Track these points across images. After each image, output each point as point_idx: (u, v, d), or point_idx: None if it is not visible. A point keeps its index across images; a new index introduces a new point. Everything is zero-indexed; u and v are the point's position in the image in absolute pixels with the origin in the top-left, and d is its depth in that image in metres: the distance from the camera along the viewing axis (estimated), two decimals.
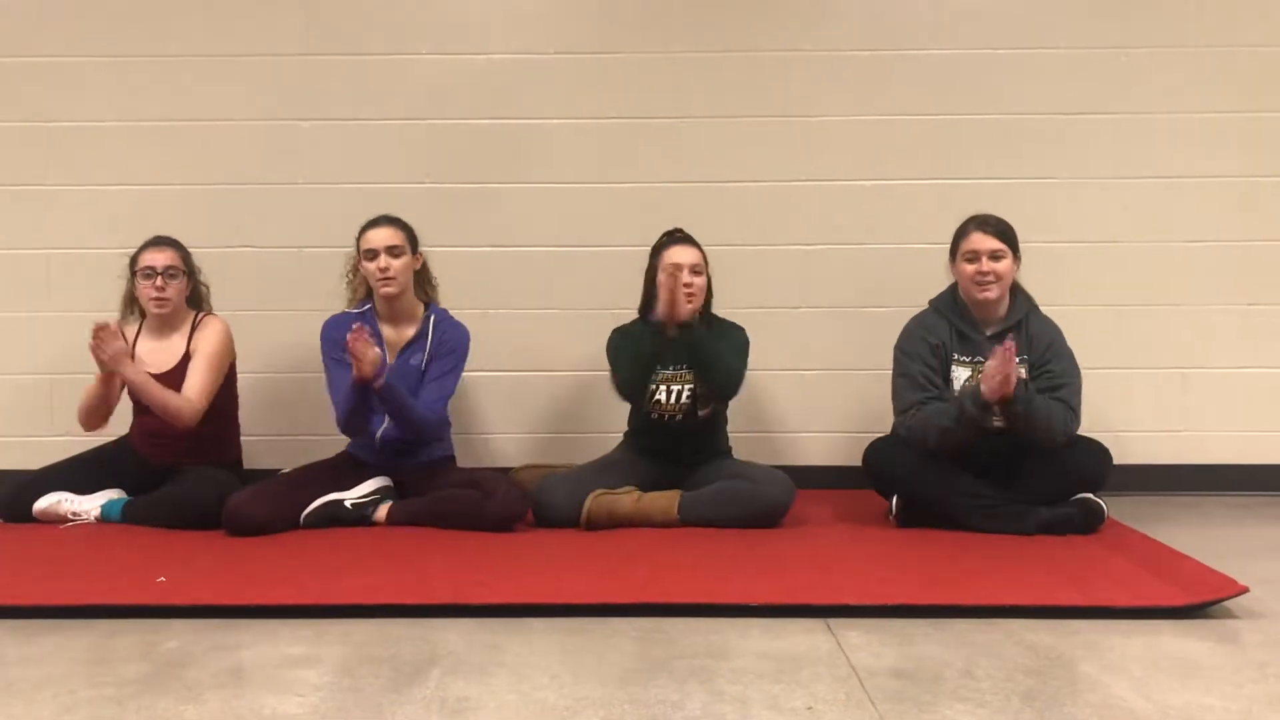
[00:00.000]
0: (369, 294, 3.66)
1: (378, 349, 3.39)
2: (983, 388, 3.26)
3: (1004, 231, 3.45)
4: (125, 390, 3.66)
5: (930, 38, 4.18)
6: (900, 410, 3.46)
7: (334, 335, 3.57)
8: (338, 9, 4.19)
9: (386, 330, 3.63)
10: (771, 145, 4.19)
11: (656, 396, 3.60)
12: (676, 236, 3.63)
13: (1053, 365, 3.41)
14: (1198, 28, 4.15)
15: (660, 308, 3.49)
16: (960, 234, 3.51)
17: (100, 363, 3.48)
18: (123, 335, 3.63)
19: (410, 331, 3.63)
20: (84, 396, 3.62)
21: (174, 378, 3.59)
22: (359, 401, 3.45)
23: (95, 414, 3.63)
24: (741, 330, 3.67)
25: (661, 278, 3.52)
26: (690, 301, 3.51)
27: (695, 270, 3.54)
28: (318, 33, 4.18)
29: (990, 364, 3.25)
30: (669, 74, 4.19)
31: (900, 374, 3.50)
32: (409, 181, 4.17)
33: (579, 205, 4.20)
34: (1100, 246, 4.17)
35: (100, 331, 3.44)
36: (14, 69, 4.18)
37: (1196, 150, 4.16)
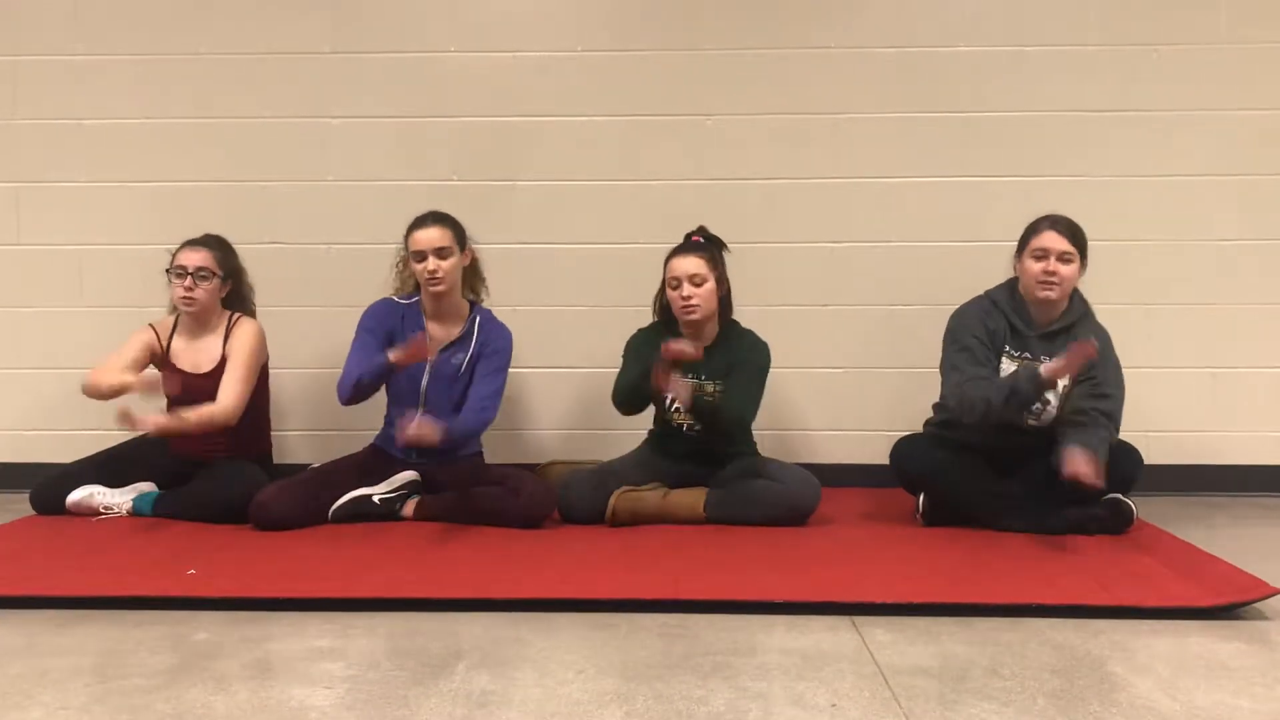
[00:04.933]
0: (417, 287, 3.66)
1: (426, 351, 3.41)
2: (1045, 367, 3.19)
3: (1076, 235, 3.40)
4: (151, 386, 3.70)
5: (959, 35, 4.16)
6: (956, 380, 3.39)
7: (378, 315, 3.62)
8: (366, 7, 4.21)
9: (432, 326, 3.63)
10: (798, 142, 4.18)
11: (676, 405, 3.59)
12: (684, 245, 3.60)
13: (1097, 373, 3.36)
14: (1229, 24, 4.11)
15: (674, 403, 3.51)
16: (1032, 230, 3.45)
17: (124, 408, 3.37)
18: (161, 362, 3.70)
19: (456, 330, 3.64)
20: (93, 375, 3.55)
21: (211, 380, 3.62)
22: (374, 383, 3.49)
23: (95, 396, 3.57)
24: (761, 352, 3.59)
25: (670, 293, 3.53)
26: (692, 313, 3.50)
27: (696, 281, 3.49)
28: (347, 30, 4.21)
29: (1069, 355, 3.16)
30: (696, 71, 4.19)
31: (960, 348, 3.43)
32: (437, 178, 4.19)
33: (606, 202, 4.20)
34: (1129, 245, 4.13)
35: (126, 422, 3.32)
36: (47, 68, 4.24)
37: (1227, 147, 4.12)
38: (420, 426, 3.30)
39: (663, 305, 3.67)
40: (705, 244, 3.60)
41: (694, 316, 3.51)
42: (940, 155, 4.16)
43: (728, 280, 3.61)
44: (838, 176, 4.18)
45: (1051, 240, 3.38)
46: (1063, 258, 3.37)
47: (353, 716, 1.97)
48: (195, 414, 3.48)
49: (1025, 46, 4.15)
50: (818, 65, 4.18)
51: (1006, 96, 4.15)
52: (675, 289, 3.52)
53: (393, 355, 3.37)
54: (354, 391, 3.50)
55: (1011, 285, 3.53)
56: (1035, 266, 3.40)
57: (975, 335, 3.43)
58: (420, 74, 4.22)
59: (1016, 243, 3.50)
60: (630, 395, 3.54)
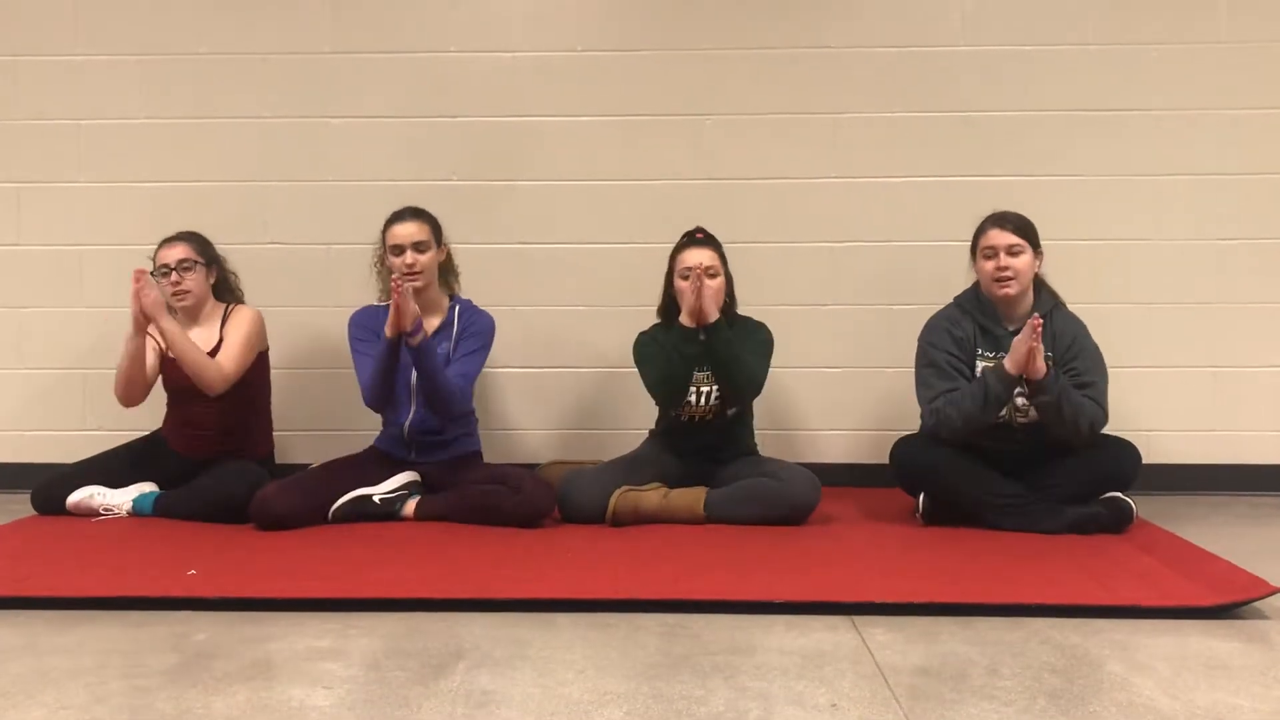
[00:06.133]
0: None
1: (417, 307, 3.38)
2: (1007, 361, 3.25)
3: (1022, 227, 3.44)
4: (159, 380, 3.72)
5: (957, 33, 4.16)
6: (928, 399, 3.45)
7: (364, 321, 3.62)
8: (365, 7, 4.21)
9: None
10: (797, 142, 4.18)
11: (686, 399, 3.59)
12: (694, 238, 3.63)
13: (1077, 363, 3.40)
14: (1228, 22, 4.11)
15: (685, 314, 3.50)
16: (979, 231, 3.50)
17: (136, 317, 3.45)
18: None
19: (436, 322, 3.64)
20: (118, 369, 3.59)
21: None
22: (389, 367, 3.44)
23: (133, 384, 3.60)
24: (764, 329, 3.66)
25: (680, 283, 3.55)
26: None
27: (710, 273, 3.53)
28: (346, 30, 4.21)
29: (1018, 338, 3.26)
30: (694, 71, 4.19)
31: (927, 364, 3.48)
32: (436, 178, 4.19)
33: (605, 202, 4.21)
34: (1130, 244, 4.14)
35: (141, 278, 3.42)
36: (47, 68, 4.24)
37: (1228, 146, 4.12)
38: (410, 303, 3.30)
39: (666, 302, 3.66)
40: (713, 238, 3.62)
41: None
42: (940, 155, 4.16)
43: (730, 274, 3.63)
44: (837, 176, 4.18)
45: (997, 237, 3.42)
46: (1011, 251, 3.40)
47: (353, 716, 1.97)
48: (192, 345, 3.50)
49: (1025, 46, 4.15)
50: (818, 65, 4.18)
51: (1006, 96, 4.15)
52: (687, 279, 3.52)
53: (388, 329, 3.36)
54: (374, 392, 3.51)
55: (976, 288, 3.56)
56: (988, 266, 3.44)
57: (942, 349, 3.46)
58: (420, 74, 4.22)
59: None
60: (679, 373, 3.54)
